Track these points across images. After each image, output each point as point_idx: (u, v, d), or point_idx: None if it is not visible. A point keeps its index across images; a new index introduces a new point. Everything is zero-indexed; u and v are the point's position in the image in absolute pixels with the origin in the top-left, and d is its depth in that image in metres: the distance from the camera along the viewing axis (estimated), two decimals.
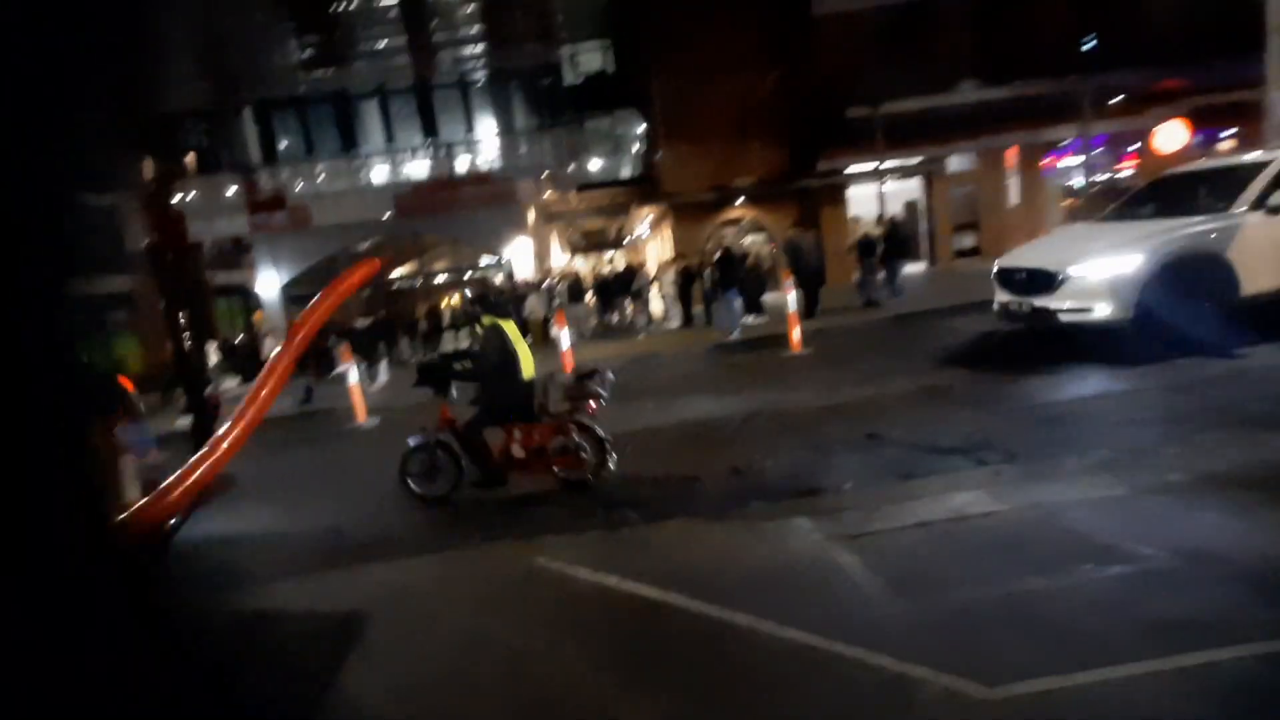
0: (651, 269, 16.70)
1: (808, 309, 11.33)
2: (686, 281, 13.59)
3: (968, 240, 19.55)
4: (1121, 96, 17.78)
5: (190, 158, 21.86)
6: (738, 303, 10.60)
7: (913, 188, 19.06)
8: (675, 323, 14.34)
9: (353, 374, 9.06)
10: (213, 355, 17.38)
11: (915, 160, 18.19)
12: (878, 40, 17.30)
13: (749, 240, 18.48)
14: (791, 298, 8.79)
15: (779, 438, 5.42)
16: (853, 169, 17.99)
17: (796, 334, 8.66)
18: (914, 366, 7.05)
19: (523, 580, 3.49)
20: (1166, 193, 6.77)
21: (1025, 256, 6.82)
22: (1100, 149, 17.79)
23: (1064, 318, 5.91)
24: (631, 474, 4.98)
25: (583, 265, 25.94)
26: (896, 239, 12.23)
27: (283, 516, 5.35)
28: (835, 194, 18.06)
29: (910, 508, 3.64)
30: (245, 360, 15.64)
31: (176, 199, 18.72)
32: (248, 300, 25.00)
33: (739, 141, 18.18)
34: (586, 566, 3.47)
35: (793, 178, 18.02)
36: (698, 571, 3.27)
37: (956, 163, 19.08)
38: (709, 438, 5.77)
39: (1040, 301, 6.05)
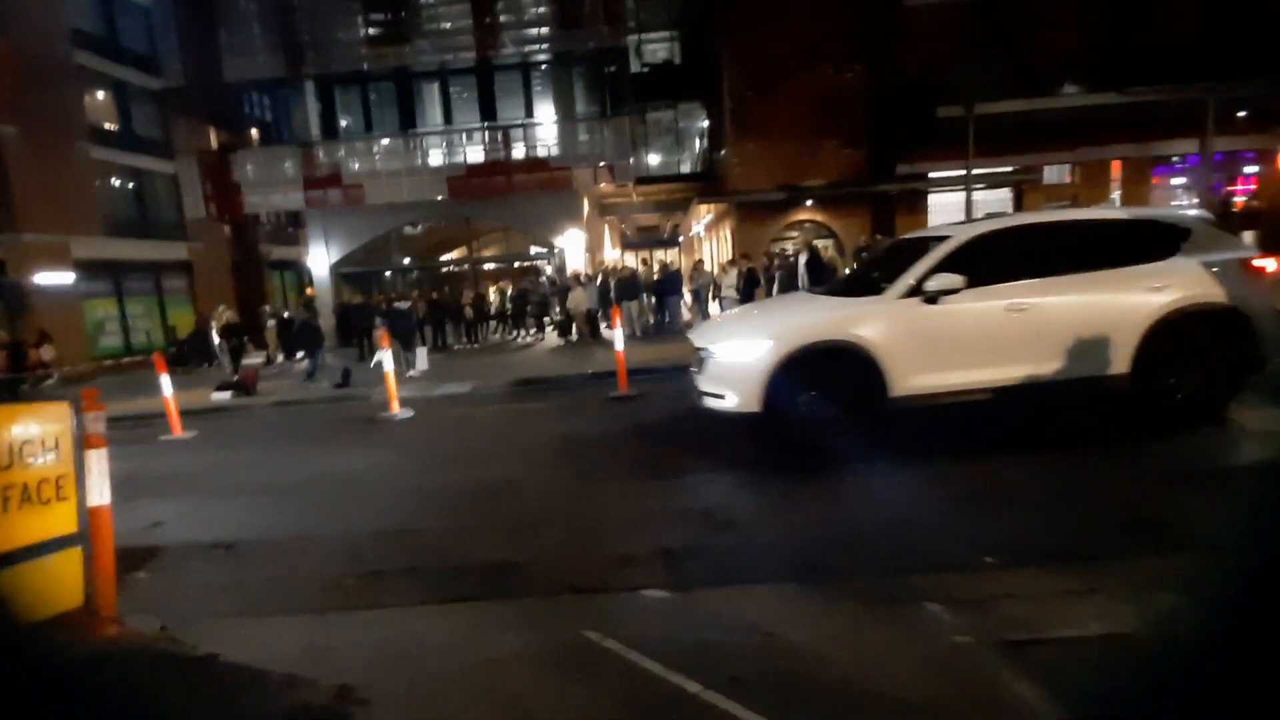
0: (709, 269, 15.70)
1: None
2: (751, 284, 12.56)
3: None
4: (1248, 110, 15.98)
5: (253, 130, 21.93)
6: None
7: (1000, 199, 17.53)
8: None
9: (388, 361, 8.36)
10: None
11: (1008, 168, 16.68)
12: (973, 34, 15.84)
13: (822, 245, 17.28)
14: None
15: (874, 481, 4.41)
16: (936, 174, 16.62)
17: None
18: None
19: (567, 658, 2.60)
20: (886, 262, 5.67)
21: (711, 326, 6.26)
22: (1216, 168, 16.02)
23: (708, 402, 5.08)
24: (696, 506, 4.06)
25: (633, 261, 25.14)
26: None
27: (266, 526, 4.61)
28: (915, 201, 16.70)
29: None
30: (298, 335, 15.26)
31: (237, 170, 18.62)
32: (301, 276, 25.09)
33: (811, 140, 17.02)
34: (654, 657, 2.54)
35: (869, 181, 16.75)
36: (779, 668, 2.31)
37: (1054, 173, 17.49)
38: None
39: (698, 380, 5.24)
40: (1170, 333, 4.56)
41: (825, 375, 4.67)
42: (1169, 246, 4.72)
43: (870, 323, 4.72)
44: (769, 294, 12.07)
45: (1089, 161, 17.19)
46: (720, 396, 4.92)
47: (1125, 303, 4.60)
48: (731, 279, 13.15)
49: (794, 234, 17.53)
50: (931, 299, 4.62)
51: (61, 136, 20.05)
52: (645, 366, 9.30)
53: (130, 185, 23.14)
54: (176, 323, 22.51)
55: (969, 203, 14.97)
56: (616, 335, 8.06)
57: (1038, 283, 4.67)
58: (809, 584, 3.07)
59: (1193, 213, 5.21)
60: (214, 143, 22.06)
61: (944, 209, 16.75)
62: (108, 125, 22.23)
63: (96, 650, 2.57)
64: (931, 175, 16.75)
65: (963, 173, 16.09)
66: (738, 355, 4.91)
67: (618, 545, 3.76)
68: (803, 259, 9.21)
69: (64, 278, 20.13)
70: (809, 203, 17.38)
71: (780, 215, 17.62)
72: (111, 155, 21.93)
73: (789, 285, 9.60)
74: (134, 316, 22.85)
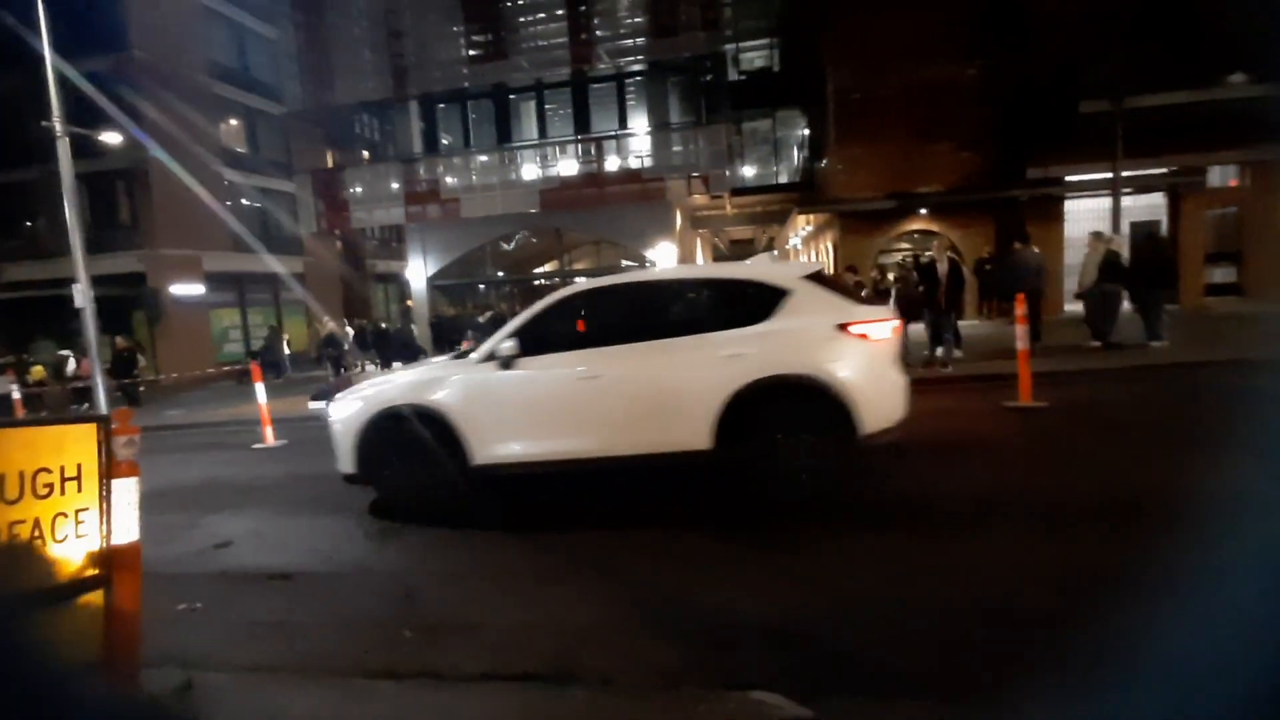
0: None
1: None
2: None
3: (1224, 274, 15.47)
4: None
5: (362, 149, 23.06)
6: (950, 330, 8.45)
7: (1150, 205, 15.37)
8: None
9: None
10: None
11: (1161, 170, 14.59)
12: (1120, 16, 14.01)
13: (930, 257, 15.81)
14: (1021, 332, 6.48)
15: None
16: (1074, 177, 14.79)
17: (1027, 378, 6.34)
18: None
19: None
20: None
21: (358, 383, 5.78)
22: None
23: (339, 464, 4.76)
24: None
25: None
26: (1154, 261, 9.29)
27: (332, 551, 4.17)
28: (1048, 208, 14.91)
29: None
30: (392, 346, 15.61)
31: (346, 187, 19.48)
32: (403, 288, 26.08)
33: (925, 143, 15.64)
34: None
35: (994, 186, 15.15)
36: None
37: (1217, 176, 15.16)
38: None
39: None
40: (750, 405, 4.11)
41: (406, 440, 4.45)
42: (765, 309, 4.25)
43: (449, 388, 4.51)
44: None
45: (1260, 163, 14.77)
46: (338, 458, 4.76)
47: (703, 373, 4.19)
48: None
49: (905, 245, 16.14)
50: (506, 364, 4.38)
51: (198, 159, 21.86)
52: None
53: (254, 203, 24.91)
54: (292, 332, 23.88)
55: (1116, 209, 13.13)
56: None
57: (616, 349, 4.34)
58: None
59: (800, 270, 4.53)
60: (329, 162, 23.41)
61: (1083, 216, 14.87)
62: (237, 148, 24.06)
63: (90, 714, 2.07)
64: (1068, 179, 14.93)
65: (1106, 176, 14.24)
66: (338, 415, 4.75)
67: None
68: (941, 268, 8.06)
69: (196, 289, 21.81)
70: (922, 211, 15.97)
71: (888, 225, 16.30)
72: (239, 176, 23.67)
73: (910, 300, 8.48)
74: (254, 325, 24.47)
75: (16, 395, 12.92)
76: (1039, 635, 2.56)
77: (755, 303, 4.29)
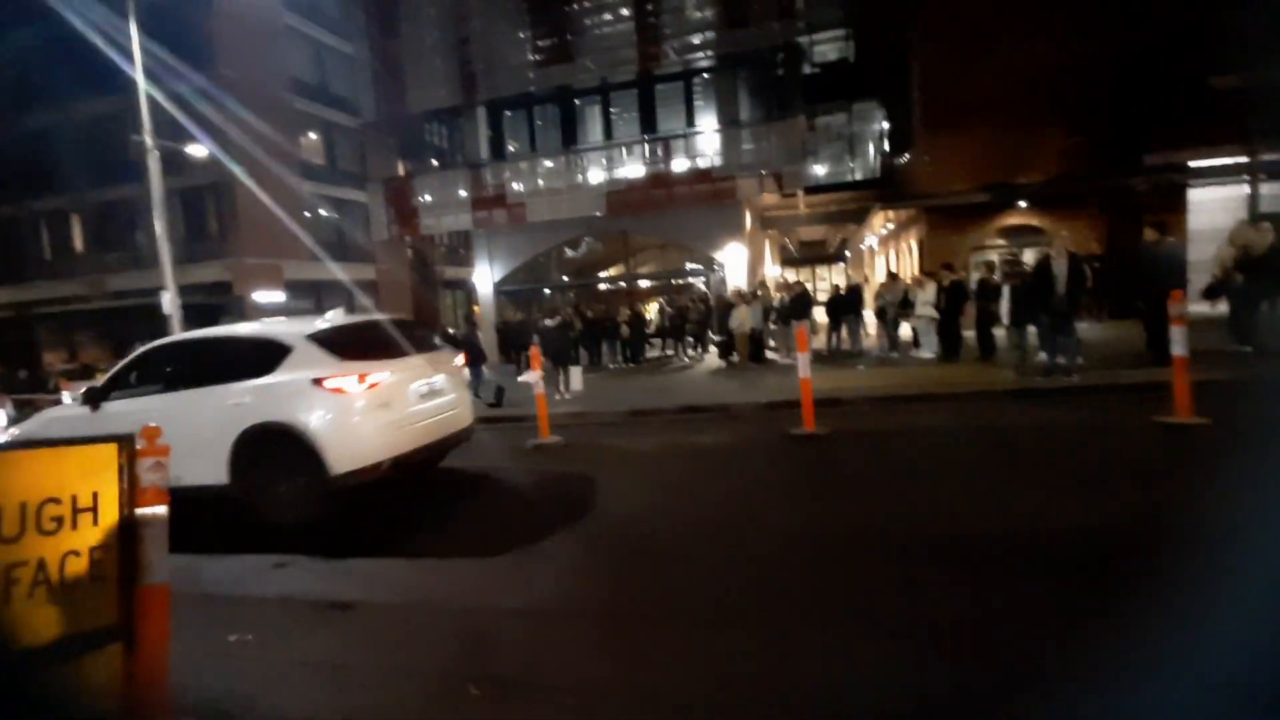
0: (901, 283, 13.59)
1: (1164, 349, 7.68)
2: (955, 301, 10.44)
3: None
4: None
5: (431, 157, 23.41)
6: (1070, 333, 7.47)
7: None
8: (930, 352, 11.22)
9: (539, 384, 7.60)
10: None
11: None
12: None
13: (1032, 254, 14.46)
14: (1177, 335, 5.46)
15: None
16: (1199, 163, 13.18)
17: (1184, 390, 5.33)
18: None
19: None
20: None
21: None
22: None
23: None
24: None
25: (793, 278, 23.27)
26: None
27: (394, 581, 3.75)
28: (1170, 198, 13.30)
29: None
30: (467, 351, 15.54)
31: (415, 194, 19.73)
32: (470, 294, 26.37)
33: (1022, 130, 14.31)
34: None
35: (1105, 175, 13.70)
36: None
37: None
38: None
39: None
40: (250, 447, 4.74)
41: None
42: (271, 364, 4.86)
43: (60, 426, 5.36)
44: (984, 311, 9.88)
45: None
46: None
47: (219, 418, 4.81)
48: (929, 294, 11.08)
49: (1000, 242, 14.82)
50: (95, 405, 5.18)
51: (279, 172, 22.76)
52: (828, 396, 7.73)
53: (331, 213, 25.75)
54: None
55: (1255, 198, 11.56)
56: (803, 360, 6.59)
57: (167, 395, 5.12)
58: None
59: (307, 330, 5.03)
60: (400, 171, 23.94)
61: (1212, 207, 13.22)
62: (315, 160, 24.93)
63: None
64: (1192, 165, 13.31)
65: (1236, 160, 12.64)
66: None
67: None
68: (1059, 268, 7.05)
69: (276, 296, 22.66)
70: (1021, 205, 14.63)
71: (983, 221, 15.02)
72: (317, 187, 24.51)
73: (1024, 300, 7.50)
74: None
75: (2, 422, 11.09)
76: None
77: (266, 358, 4.89)
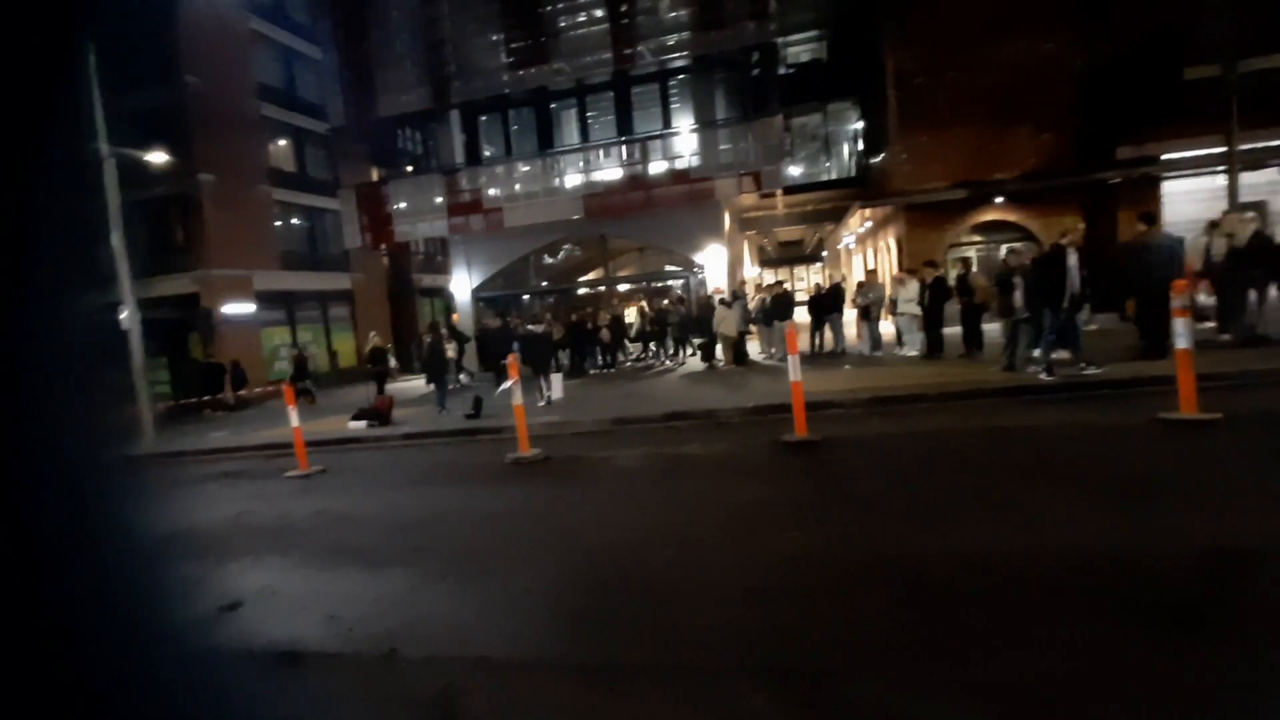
0: (864, 283, 13.47)
1: (1156, 343, 7.58)
2: (938, 298, 10.31)
3: None
4: None
5: (405, 163, 22.93)
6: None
7: (1262, 183, 13.65)
8: (914, 350, 11.09)
9: (517, 393, 7.27)
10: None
11: (1277, 142, 12.93)
12: None
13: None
14: (1181, 328, 5.30)
15: None
16: (1171, 155, 13.25)
17: (1190, 384, 5.17)
18: None
19: None
20: None
21: None
22: None
23: None
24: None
25: (771, 279, 23.16)
26: None
27: (355, 620, 3.41)
28: (1144, 191, 13.36)
29: None
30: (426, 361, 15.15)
31: (389, 201, 19.27)
32: (448, 302, 25.89)
33: (998, 126, 14.33)
34: None
35: (1081, 170, 13.72)
36: None
37: None
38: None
39: None
40: None
41: None
42: None
43: None
44: (1014, 310, 9.68)
45: None
46: None
47: None
48: (911, 292, 10.95)
49: (978, 238, 14.81)
50: None
51: (247, 180, 22.12)
52: (817, 399, 7.51)
53: (302, 222, 25.14)
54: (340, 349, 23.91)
55: (1233, 188, 11.60)
56: (793, 363, 6.35)
57: None
58: None
59: None
60: (374, 177, 23.41)
61: (1184, 199, 13.32)
62: (285, 168, 24.30)
63: None
64: (1165, 157, 13.39)
65: (1210, 151, 12.69)
66: None
67: None
68: (1072, 260, 6.82)
69: (247, 308, 21.99)
70: (999, 200, 14.61)
71: (960, 217, 14.99)
72: (287, 195, 23.90)
73: (1037, 291, 7.31)
74: (304, 344, 24.60)
75: None
76: None
77: None
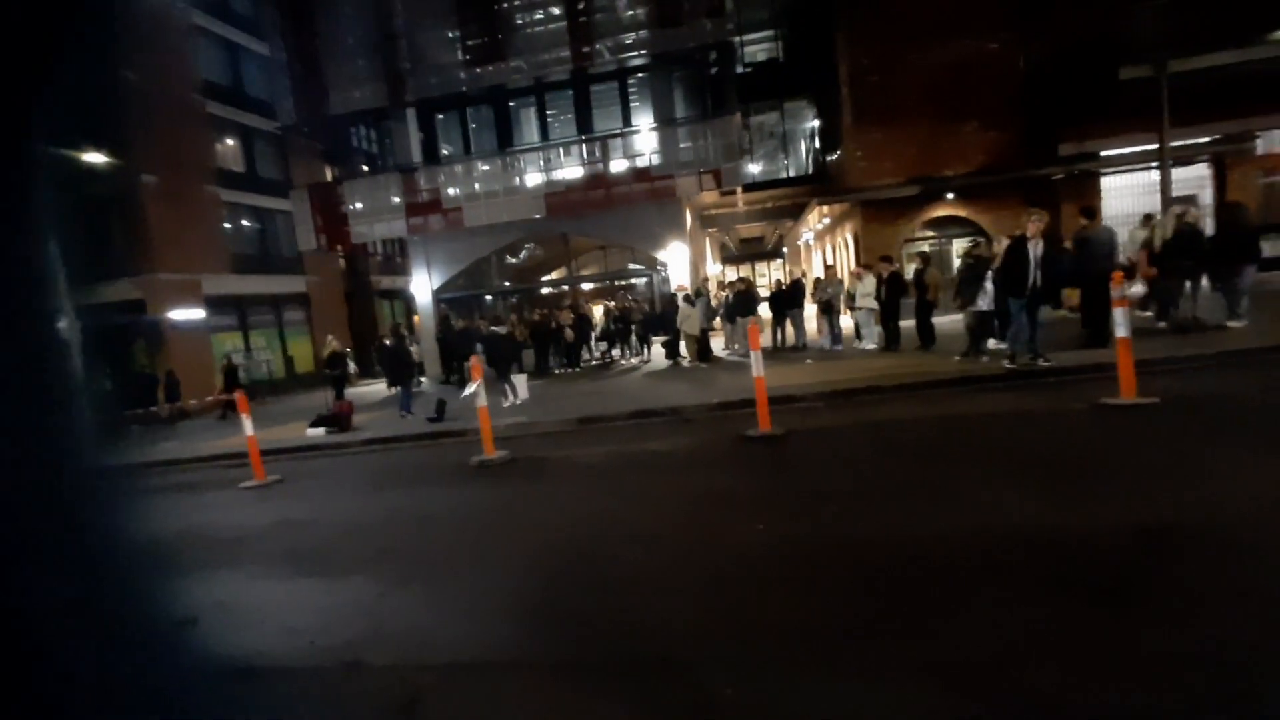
0: (822, 279, 13.75)
1: (1098, 331, 7.94)
2: (894, 292, 10.58)
3: (1273, 247, 14.44)
4: None
5: (360, 162, 22.42)
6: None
7: (1196, 178, 14.40)
8: (872, 343, 11.36)
9: (481, 396, 7.21)
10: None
11: (1206, 139, 13.64)
12: None
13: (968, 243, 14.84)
14: (1120, 317, 5.57)
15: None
16: (1110, 151, 13.86)
17: (1129, 370, 5.44)
18: None
19: None
20: None
21: None
22: None
23: None
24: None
25: (733, 275, 23.42)
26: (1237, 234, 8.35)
27: (316, 632, 3.36)
28: (1084, 185, 13.97)
29: None
30: (387, 364, 14.87)
31: (344, 201, 18.82)
32: (409, 304, 25.41)
33: (948, 124, 14.79)
34: None
35: (1024, 166, 14.24)
36: None
37: (1267, 143, 14.19)
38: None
39: None
40: None
41: None
42: None
43: None
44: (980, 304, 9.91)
45: None
46: None
47: None
48: (868, 286, 11.22)
49: (930, 233, 15.25)
50: None
51: (194, 181, 21.31)
52: (779, 394, 7.64)
53: (253, 223, 24.37)
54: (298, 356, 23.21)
55: (1165, 182, 12.19)
56: (755, 359, 6.46)
57: None
58: None
59: None
60: (328, 177, 22.80)
61: (1121, 193, 13.96)
62: (233, 168, 23.51)
63: None
64: (1104, 153, 14.00)
65: (1144, 148, 13.31)
66: None
67: None
68: (1034, 251, 6.97)
69: (196, 314, 21.21)
70: (949, 196, 15.07)
71: (913, 212, 15.41)
72: (237, 196, 23.13)
73: (1002, 284, 7.52)
74: (257, 349, 23.86)
75: None
76: None
77: None
